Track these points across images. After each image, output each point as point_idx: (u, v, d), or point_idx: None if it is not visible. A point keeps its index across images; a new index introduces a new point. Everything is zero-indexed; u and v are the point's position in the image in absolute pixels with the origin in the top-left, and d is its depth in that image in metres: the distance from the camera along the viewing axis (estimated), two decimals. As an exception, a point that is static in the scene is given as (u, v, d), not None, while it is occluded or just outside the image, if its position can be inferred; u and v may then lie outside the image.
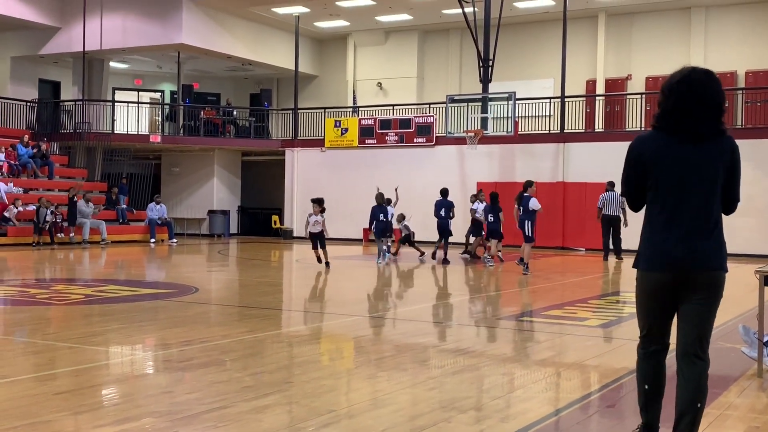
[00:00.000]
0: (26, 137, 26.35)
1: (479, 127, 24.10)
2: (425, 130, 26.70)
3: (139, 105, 31.65)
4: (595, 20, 27.99)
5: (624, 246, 19.21)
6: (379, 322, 9.48)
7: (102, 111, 28.94)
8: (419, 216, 25.52)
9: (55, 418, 4.72)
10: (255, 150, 30.49)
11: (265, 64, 30.58)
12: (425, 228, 25.31)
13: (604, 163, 22.42)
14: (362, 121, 27.88)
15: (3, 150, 25.11)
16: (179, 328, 8.31)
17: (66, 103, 29.92)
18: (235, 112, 31.11)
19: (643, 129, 23.20)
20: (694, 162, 3.85)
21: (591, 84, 28.02)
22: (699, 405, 3.85)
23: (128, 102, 30.40)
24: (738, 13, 26.42)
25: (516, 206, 16.01)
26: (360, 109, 29.46)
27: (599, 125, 26.21)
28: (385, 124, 27.40)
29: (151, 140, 28.51)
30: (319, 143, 28.66)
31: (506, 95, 24.11)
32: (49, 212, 22.39)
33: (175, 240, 25.67)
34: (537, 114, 25.96)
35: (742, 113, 24.35)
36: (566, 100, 25.23)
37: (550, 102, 26.18)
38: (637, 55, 27.65)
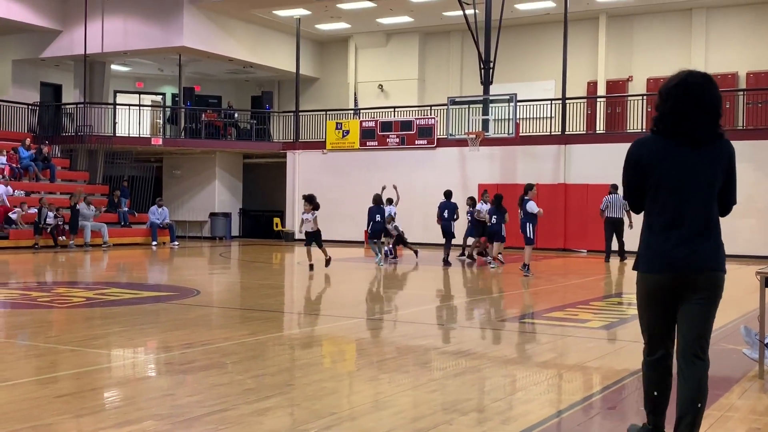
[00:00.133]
0: (28, 140, 26.38)
1: (480, 129, 24.09)
2: (426, 132, 26.70)
3: (141, 108, 31.64)
4: (595, 22, 28.00)
5: (627, 248, 19.21)
6: (380, 324, 9.48)
7: (103, 114, 28.97)
8: (420, 218, 25.57)
9: (57, 421, 4.72)
10: (256, 152, 30.51)
11: (267, 67, 30.60)
12: (426, 230, 25.37)
13: (605, 164, 22.43)
14: (363, 123, 27.89)
15: (4, 153, 25.13)
16: (181, 331, 8.31)
17: (67, 106, 29.94)
18: (236, 115, 31.13)
19: (644, 130, 23.19)
20: (692, 165, 3.88)
21: (592, 85, 28.02)
22: (699, 405, 3.86)
23: (129, 105, 30.41)
24: (739, 14, 26.42)
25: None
26: (361, 111, 29.48)
27: (600, 127, 26.21)
28: (387, 126, 27.41)
29: (152, 143, 28.54)
30: (320, 145, 28.68)
31: (507, 97, 24.11)
32: (51, 215, 22.43)
33: (176, 243, 25.68)
34: (538, 116, 25.97)
35: (743, 114, 24.34)
36: (567, 101, 25.23)
37: (551, 104, 26.19)
38: (638, 57, 27.66)
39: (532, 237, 15.75)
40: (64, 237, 22.83)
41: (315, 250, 16.29)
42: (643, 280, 4.00)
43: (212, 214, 29.61)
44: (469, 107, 24.85)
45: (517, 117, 24.23)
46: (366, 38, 31.43)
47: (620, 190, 18.66)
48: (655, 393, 4.07)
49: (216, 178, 29.99)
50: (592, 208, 23.11)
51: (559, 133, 25.17)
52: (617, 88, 27.55)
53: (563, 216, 24.23)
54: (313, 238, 16.33)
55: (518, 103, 24.22)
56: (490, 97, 24.44)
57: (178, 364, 6.63)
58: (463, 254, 19.56)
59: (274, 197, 30.65)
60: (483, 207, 18.77)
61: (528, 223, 15.65)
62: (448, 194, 19.10)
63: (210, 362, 6.61)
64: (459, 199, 20.87)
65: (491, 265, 17.25)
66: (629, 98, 25.87)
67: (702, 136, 3.87)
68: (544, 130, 25.75)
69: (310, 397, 5.45)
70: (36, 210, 22.54)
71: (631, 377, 6.01)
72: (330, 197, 27.36)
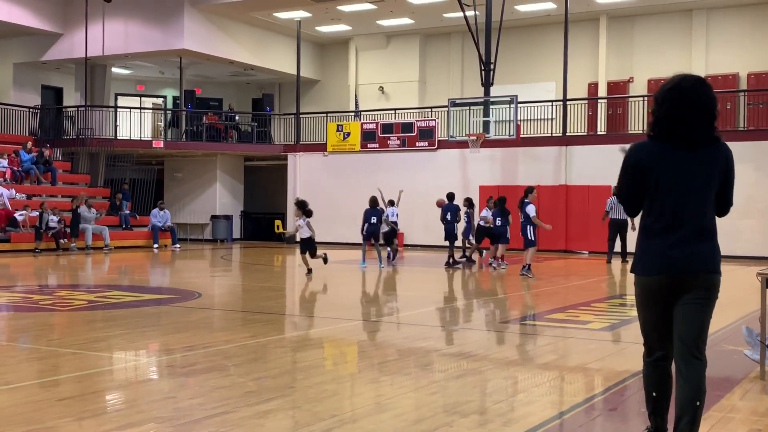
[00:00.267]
0: (29, 143, 26.41)
1: (481, 131, 24.09)
2: (427, 134, 26.71)
3: (142, 110, 31.66)
4: (596, 23, 28.01)
5: (630, 249, 19.19)
6: (382, 326, 9.48)
7: (104, 117, 28.99)
8: (421, 220, 25.58)
9: (59, 424, 4.73)
10: (257, 155, 30.52)
11: (267, 69, 30.63)
12: (428, 232, 25.38)
13: (606, 165, 22.40)
14: (364, 126, 27.90)
15: (6, 156, 25.16)
16: (182, 334, 8.31)
17: (69, 109, 29.98)
18: (237, 117, 31.16)
19: (645, 131, 23.20)
20: (689, 168, 3.91)
21: (593, 87, 28.03)
22: (698, 404, 3.88)
23: (131, 107, 30.43)
24: (739, 15, 26.42)
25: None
26: (362, 113, 29.50)
27: (601, 128, 26.21)
28: (387, 128, 27.42)
29: (153, 146, 28.56)
30: (321, 148, 28.69)
31: (508, 98, 24.11)
32: (55, 219, 22.46)
33: (178, 245, 25.69)
34: (539, 117, 25.97)
35: (744, 115, 24.35)
36: (568, 103, 25.24)
37: (552, 105, 26.19)
38: (639, 58, 27.66)
39: (533, 239, 15.81)
40: (66, 240, 22.86)
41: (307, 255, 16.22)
42: (640, 282, 4.03)
43: (213, 217, 29.62)
44: (469, 109, 24.84)
45: (518, 118, 24.24)
46: (366, 40, 31.45)
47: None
48: (654, 394, 4.10)
49: (217, 180, 30.02)
50: (593, 210, 23.12)
51: (560, 134, 25.17)
52: (618, 90, 27.56)
53: (564, 217, 24.23)
54: (306, 246, 16.12)
55: (519, 105, 24.23)
56: (491, 99, 24.44)
57: (180, 367, 6.64)
58: (463, 256, 19.56)
59: (276, 200, 30.67)
60: (488, 214, 18.67)
61: (528, 226, 15.76)
62: (450, 196, 19.11)
63: (211, 365, 6.61)
64: (462, 201, 20.89)
65: (502, 266, 17.31)
66: (630, 99, 25.87)
67: (698, 138, 3.90)
68: (545, 132, 25.75)
69: (312, 399, 5.45)
70: (37, 213, 22.55)
71: (633, 379, 6.00)
72: (331, 199, 27.42)
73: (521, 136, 24.56)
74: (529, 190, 16.17)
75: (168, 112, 32.19)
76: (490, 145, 24.54)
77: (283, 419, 4.94)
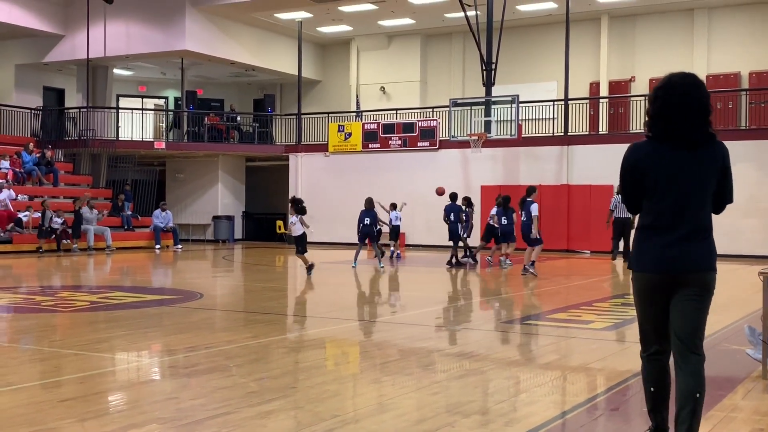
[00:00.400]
0: (31, 145, 26.43)
1: (483, 131, 24.10)
2: (429, 134, 26.71)
3: (144, 111, 31.73)
4: (597, 22, 28.00)
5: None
6: (383, 326, 9.47)
7: (106, 118, 29.02)
8: (422, 220, 25.59)
9: (61, 425, 4.73)
10: (259, 155, 30.54)
11: (269, 70, 30.64)
12: (430, 232, 25.38)
13: (608, 165, 22.35)
14: (366, 126, 27.90)
15: (8, 158, 25.19)
16: (184, 334, 8.32)
17: (70, 111, 30.01)
18: (238, 118, 31.18)
19: (643, 131, 23.17)
20: (688, 167, 3.94)
21: (594, 86, 28.02)
22: (698, 395, 3.92)
23: (132, 109, 30.48)
24: (741, 14, 26.40)
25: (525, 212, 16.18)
26: (363, 113, 29.51)
27: (603, 127, 26.20)
28: (389, 128, 27.42)
29: (155, 147, 28.58)
30: (322, 148, 28.69)
31: (509, 98, 24.11)
32: (59, 220, 22.48)
33: (180, 246, 25.71)
34: (541, 117, 25.96)
35: (746, 114, 24.33)
36: (570, 102, 25.24)
37: (553, 105, 26.19)
38: (641, 57, 27.65)
39: (539, 237, 15.87)
40: (68, 241, 22.88)
41: (308, 253, 16.19)
42: (637, 278, 4.09)
43: (215, 217, 29.64)
44: (471, 109, 24.85)
45: (520, 118, 24.23)
46: (368, 40, 31.45)
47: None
48: (652, 389, 4.14)
49: (219, 181, 30.04)
50: (595, 209, 23.11)
51: (562, 134, 25.17)
52: (620, 89, 27.55)
53: (566, 217, 24.23)
54: (296, 242, 15.97)
55: (520, 105, 24.22)
56: (493, 99, 24.45)
57: (182, 368, 6.64)
58: (465, 255, 19.57)
59: (277, 200, 30.67)
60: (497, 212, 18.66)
61: (531, 225, 15.78)
62: (453, 197, 19.14)
63: (213, 365, 6.62)
64: (460, 201, 20.89)
65: (505, 265, 17.37)
66: (632, 99, 25.86)
67: (692, 136, 3.93)
68: (547, 132, 25.74)
69: (313, 399, 5.45)
70: (39, 214, 22.57)
71: (635, 378, 5.99)
72: (332, 199, 27.44)
73: (523, 135, 24.55)
74: (531, 189, 16.23)
75: (169, 113, 32.22)
76: (491, 145, 24.54)
77: (285, 420, 4.94)
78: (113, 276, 17.17)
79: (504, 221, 17.36)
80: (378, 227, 19.07)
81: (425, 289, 14.51)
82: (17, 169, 25.16)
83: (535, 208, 15.72)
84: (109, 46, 27.62)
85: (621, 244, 19.46)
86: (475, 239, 20.37)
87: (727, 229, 20.52)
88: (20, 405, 5.23)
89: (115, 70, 31.09)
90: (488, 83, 24.66)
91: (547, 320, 9.83)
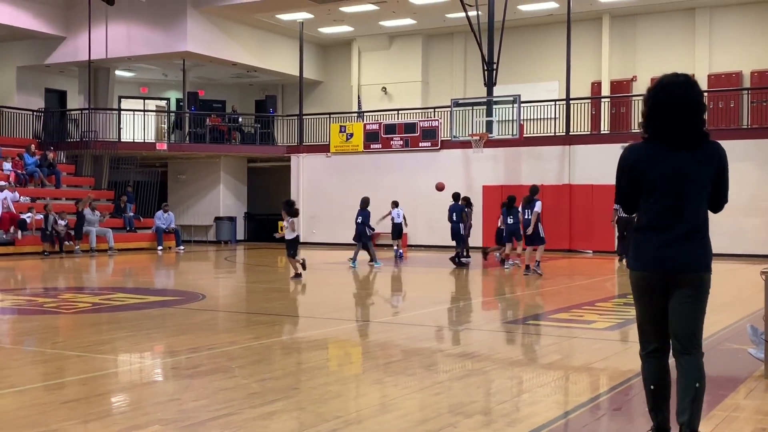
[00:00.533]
0: (33, 146, 26.46)
1: (484, 131, 24.10)
2: (430, 134, 26.72)
3: (145, 113, 31.76)
4: (599, 22, 27.99)
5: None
6: (385, 326, 9.47)
7: (108, 119, 29.04)
8: (424, 220, 25.59)
9: (64, 426, 4.74)
10: (261, 156, 30.55)
11: (270, 71, 30.66)
12: (431, 232, 25.38)
13: (610, 164, 22.04)
14: (367, 126, 27.91)
15: (10, 159, 25.21)
16: (186, 336, 8.33)
17: (72, 112, 30.04)
18: (240, 119, 31.19)
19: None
20: (684, 168, 3.97)
21: (596, 86, 28.01)
22: (698, 385, 3.97)
23: (134, 110, 30.50)
24: (742, 13, 26.38)
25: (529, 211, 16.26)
26: (365, 114, 29.51)
27: (605, 127, 26.19)
28: (390, 128, 27.42)
29: (157, 148, 28.60)
30: (324, 149, 28.71)
31: (511, 98, 24.12)
32: (62, 222, 22.49)
33: (182, 247, 25.72)
34: (542, 116, 25.96)
35: (748, 113, 24.32)
36: (571, 102, 25.23)
37: (555, 104, 26.18)
38: (642, 57, 27.64)
39: (543, 236, 16.01)
40: (71, 242, 22.90)
41: (302, 254, 16.15)
42: (634, 277, 4.14)
43: (217, 218, 29.66)
44: (472, 109, 24.86)
45: (521, 118, 24.23)
46: (369, 41, 31.46)
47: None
48: (652, 387, 4.16)
49: (221, 182, 30.05)
50: (597, 209, 23.11)
51: (564, 133, 25.16)
52: (621, 88, 27.53)
53: (568, 217, 24.22)
54: (287, 246, 15.40)
55: (522, 105, 24.22)
56: (494, 99, 24.45)
57: (184, 369, 6.65)
58: (466, 255, 19.58)
59: (279, 201, 30.55)
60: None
61: (537, 223, 15.95)
62: (455, 196, 19.17)
63: (216, 366, 6.62)
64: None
65: (507, 264, 17.40)
66: (633, 98, 25.85)
67: (691, 137, 3.96)
68: (549, 131, 25.74)
69: (316, 400, 5.45)
70: (42, 216, 22.59)
71: (637, 378, 5.99)
72: (334, 200, 27.45)
73: (524, 135, 24.55)
74: (535, 189, 16.39)
75: (171, 114, 32.23)
76: (493, 144, 24.53)
77: (288, 420, 4.94)
78: (116, 277, 17.18)
79: (510, 220, 17.39)
80: (371, 230, 19.02)
81: (427, 290, 14.51)
82: (19, 171, 25.18)
83: (538, 206, 15.92)
84: (110, 47, 27.64)
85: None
86: (475, 239, 20.39)
87: (729, 229, 20.52)
88: (23, 407, 5.24)
89: (117, 72, 31.12)
90: (489, 83, 24.66)
91: (549, 320, 9.83)
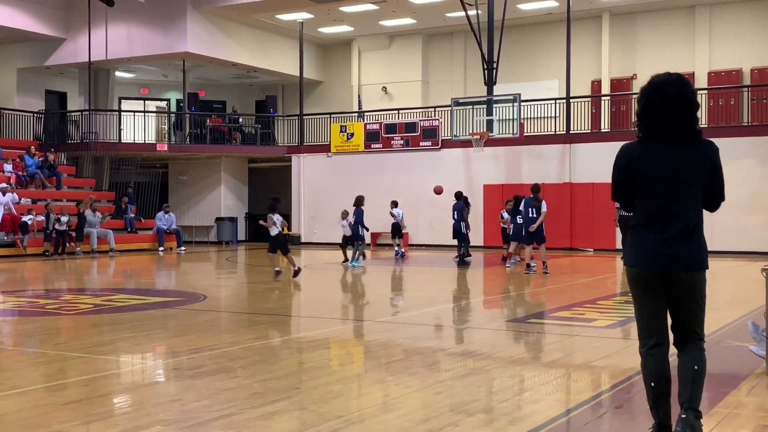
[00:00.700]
0: (33, 148, 26.47)
1: (485, 130, 24.10)
2: (431, 133, 26.72)
3: (146, 114, 31.76)
4: (599, 20, 27.98)
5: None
6: (387, 326, 9.47)
7: (108, 120, 29.06)
8: (425, 220, 25.59)
9: (65, 428, 4.74)
10: (261, 157, 30.56)
11: (270, 71, 30.66)
12: (433, 231, 25.39)
13: (610, 163, 21.69)
14: (368, 126, 27.91)
15: (10, 161, 25.22)
16: (188, 336, 8.33)
17: (72, 114, 30.06)
18: (240, 120, 31.20)
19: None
20: (679, 166, 4.00)
21: (596, 84, 28.00)
22: (696, 367, 4.01)
23: (134, 111, 30.52)
24: (742, 10, 26.37)
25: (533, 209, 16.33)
26: (365, 113, 29.51)
27: (605, 125, 26.18)
28: (391, 128, 27.43)
29: (157, 149, 28.61)
30: (325, 149, 28.71)
31: (511, 97, 24.12)
32: (64, 219, 22.50)
33: (183, 248, 25.73)
34: (542, 115, 25.97)
35: (748, 110, 24.32)
36: (572, 100, 25.23)
37: (555, 103, 26.18)
38: (642, 55, 27.63)
39: (544, 235, 16.23)
40: (72, 243, 22.92)
41: (291, 254, 16.12)
42: (630, 273, 4.16)
43: (218, 219, 29.67)
44: (473, 108, 24.86)
45: (522, 117, 24.23)
46: (369, 41, 31.46)
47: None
48: (653, 383, 4.16)
49: (221, 182, 30.06)
50: (597, 207, 23.11)
51: (564, 132, 25.16)
52: (621, 87, 27.53)
53: (569, 215, 24.22)
54: (277, 245, 15.34)
55: (522, 103, 24.23)
56: (494, 98, 24.45)
57: (186, 369, 6.65)
58: (468, 255, 19.59)
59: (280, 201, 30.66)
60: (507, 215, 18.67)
61: (543, 223, 16.06)
62: (457, 195, 19.19)
63: (217, 367, 6.63)
64: (471, 201, 20.98)
65: (509, 264, 17.46)
66: (634, 96, 25.83)
67: (686, 137, 3.99)
68: (549, 130, 25.74)
69: (318, 400, 5.46)
70: (43, 218, 22.60)
71: (639, 376, 5.97)
72: (335, 200, 27.41)
73: (525, 134, 24.56)
74: (537, 188, 16.42)
75: (172, 115, 32.24)
76: (493, 143, 24.54)
77: (289, 420, 4.95)
78: (117, 278, 17.19)
79: (519, 220, 17.38)
80: (365, 228, 18.99)
81: (428, 289, 14.51)
82: (20, 173, 25.20)
83: (544, 205, 16.08)
84: (110, 49, 27.65)
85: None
86: (476, 239, 20.41)
87: (730, 226, 20.52)
88: (25, 408, 5.24)
89: (117, 73, 31.13)
90: (490, 82, 24.66)
91: (550, 318, 9.84)
